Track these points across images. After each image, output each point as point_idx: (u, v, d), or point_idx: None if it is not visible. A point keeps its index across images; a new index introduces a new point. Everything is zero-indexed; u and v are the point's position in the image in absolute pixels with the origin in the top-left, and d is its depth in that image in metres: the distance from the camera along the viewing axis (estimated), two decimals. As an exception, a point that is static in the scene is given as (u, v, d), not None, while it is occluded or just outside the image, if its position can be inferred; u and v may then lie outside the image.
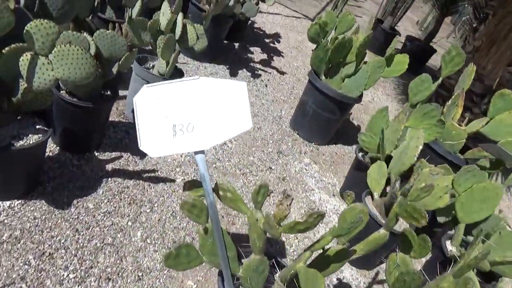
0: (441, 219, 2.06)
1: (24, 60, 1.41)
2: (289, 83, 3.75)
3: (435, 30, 5.13)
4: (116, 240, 1.71)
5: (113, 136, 2.22)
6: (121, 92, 2.55)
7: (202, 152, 1.12)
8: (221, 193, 1.24)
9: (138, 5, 2.27)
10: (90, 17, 2.46)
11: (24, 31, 1.36)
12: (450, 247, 1.98)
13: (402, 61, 2.74)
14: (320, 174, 2.68)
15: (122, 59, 1.89)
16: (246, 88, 1.13)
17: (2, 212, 1.61)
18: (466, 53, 3.88)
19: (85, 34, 1.77)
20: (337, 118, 2.87)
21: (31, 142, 1.56)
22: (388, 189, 2.07)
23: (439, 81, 2.32)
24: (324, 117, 2.85)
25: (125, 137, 2.27)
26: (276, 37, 4.68)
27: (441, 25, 5.11)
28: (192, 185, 1.25)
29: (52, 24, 1.38)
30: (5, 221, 1.59)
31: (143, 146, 1.11)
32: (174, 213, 1.94)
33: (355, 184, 2.47)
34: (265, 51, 4.18)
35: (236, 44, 4.04)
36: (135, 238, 1.76)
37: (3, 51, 1.38)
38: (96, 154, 2.06)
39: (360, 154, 2.46)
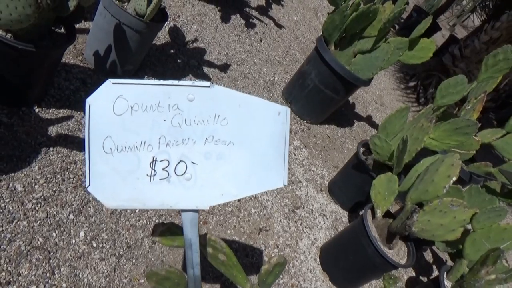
0: (440, 247, 1.77)
1: None
2: (286, 40, 3.19)
3: (445, 7, 4.61)
4: (49, 241, 1.25)
5: (63, 86, 1.65)
6: (82, 25, 1.93)
7: (195, 210, 0.66)
8: (210, 251, 0.80)
9: None
10: None
11: None
12: (446, 282, 1.71)
13: (427, 48, 2.29)
14: (309, 162, 2.29)
15: (84, -12, 1.29)
16: (289, 119, 0.65)
17: None
18: (480, 43, 3.47)
19: None
20: (339, 99, 2.44)
21: None
22: (393, 208, 1.73)
23: (474, 85, 1.91)
24: (325, 95, 2.40)
25: (81, 88, 1.71)
26: (277, -21, 3.98)
27: (453, 2, 4.59)
28: (167, 230, 0.80)
29: None
30: None
31: (93, 186, 0.63)
32: (133, 205, 1.48)
33: (348, 184, 2.11)
34: (263, -5, 3.52)
35: (232, -20, 3.35)
36: (77, 239, 1.30)
37: None
38: (37, 110, 1.51)
39: (361, 150, 2.07)
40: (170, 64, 2.17)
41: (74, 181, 1.42)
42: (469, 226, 1.65)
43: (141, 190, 0.65)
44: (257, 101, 0.68)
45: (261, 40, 2.95)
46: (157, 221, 1.49)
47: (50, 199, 1.33)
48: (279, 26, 3.30)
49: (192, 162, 0.66)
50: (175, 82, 0.64)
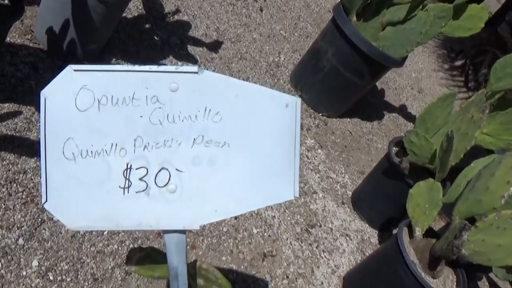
0: (499, 274, 1.79)
1: None
2: (293, 9, 3.23)
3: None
4: (-6, 273, 1.27)
5: (8, 73, 1.68)
6: (30, -6, 1.95)
7: (182, 231, 0.68)
8: (201, 282, 0.82)
9: None
10: None
11: None
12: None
13: (477, 16, 2.31)
14: (326, 167, 2.31)
15: None
16: (299, 112, 0.67)
17: None
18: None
19: None
20: (364, 84, 2.47)
21: None
22: (437, 224, 1.75)
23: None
24: (346, 79, 2.42)
25: (31, 75, 1.73)
26: None
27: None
28: (146, 257, 0.81)
29: None
30: None
31: (51, 202, 0.65)
32: (100, 225, 1.50)
33: (378, 194, 2.13)
34: (264, -49, 3.55)
35: None
36: (29, 270, 1.33)
37: None
38: (-25, 104, 1.53)
39: (394, 150, 2.09)
40: (145, 43, 2.19)
41: (23, 196, 1.44)
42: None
43: (113, 206, 0.67)
44: (258, 90, 0.69)
45: (261, 10, 3.00)
46: (131, 245, 1.51)
47: (-7, 220, 1.35)
48: (285, -10, 3.34)
49: (177, 169, 0.68)
50: (154, 67, 0.66)
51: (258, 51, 2.67)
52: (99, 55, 1.98)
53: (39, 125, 0.66)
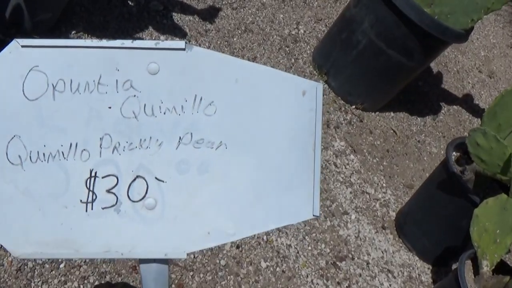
0: None
1: None
2: (318, -38, 3.25)
3: None
4: None
5: None
6: None
7: (163, 260, 0.70)
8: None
9: None
10: None
11: None
12: None
13: None
14: (362, 179, 2.33)
15: None
16: (321, 102, 0.69)
17: None
18: None
19: None
20: (415, 65, 2.50)
21: None
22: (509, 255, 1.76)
23: None
24: (389, 59, 2.45)
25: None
26: None
27: None
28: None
29: None
30: None
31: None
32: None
33: (431, 216, 2.15)
34: None
35: None
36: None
37: None
38: None
39: (453, 156, 2.10)
40: (116, 10, 2.24)
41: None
42: None
43: (72, 226, 0.69)
44: (267, 72, 0.71)
45: (274, -36, 3.02)
46: (96, 282, 1.54)
47: None
48: None
49: (156, 178, 0.70)
50: (127, 42, 0.68)
51: (269, 20, 2.71)
52: (53, 27, 2.02)
53: (-24, 119, 0.69)
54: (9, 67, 0.67)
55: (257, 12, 2.70)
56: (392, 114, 2.73)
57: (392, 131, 2.66)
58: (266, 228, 0.73)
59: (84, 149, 0.69)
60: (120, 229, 0.71)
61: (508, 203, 1.74)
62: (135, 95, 0.69)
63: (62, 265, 1.54)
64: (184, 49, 0.70)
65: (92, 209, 0.70)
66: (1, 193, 0.69)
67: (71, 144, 0.69)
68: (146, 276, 0.73)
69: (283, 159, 0.72)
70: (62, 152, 0.69)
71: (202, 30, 2.42)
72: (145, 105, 0.70)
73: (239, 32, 2.54)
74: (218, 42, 2.43)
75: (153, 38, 2.24)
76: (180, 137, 0.70)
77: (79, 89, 0.68)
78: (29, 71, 0.68)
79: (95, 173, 0.70)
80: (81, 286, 1.53)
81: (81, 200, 0.70)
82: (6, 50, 0.68)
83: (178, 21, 2.38)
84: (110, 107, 0.69)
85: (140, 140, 0.70)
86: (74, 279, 1.54)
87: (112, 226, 0.70)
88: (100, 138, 0.69)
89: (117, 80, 0.69)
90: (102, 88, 0.69)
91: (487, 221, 1.75)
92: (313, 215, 0.72)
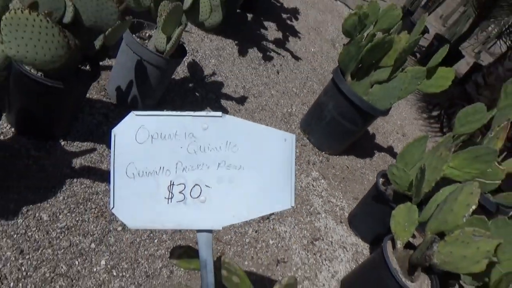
0: (467, 280, 1.75)
1: (-39, 22, 0.97)
2: (303, 72, 3.32)
3: (467, 33, 4.68)
4: (72, 269, 1.34)
5: (87, 120, 1.80)
6: (104, 62, 2.10)
7: (209, 231, 0.74)
8: (224, 273, 0.87)
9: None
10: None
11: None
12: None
13: (446, 77, 2.35)
14: (328, 193, 2.33)
15: (110, 29, 1.45)
16: (294, 144, 0.73)
17: None
18: (505, 70, 3.51)
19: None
20: (358, 129, 2.50)
21: (-34, 135, 1.14)
22: (418, 241, 1.74)
23: (494, 112, 1.95)
24: (343, 126, 2.47)
25: (103, 122, 1.85)
26: (294, 13, 4.19)
27: (476, 28, 4.66)
28: (184, 253, 0.87)
29: (6, -23, 0.93)
30: None
31: (117, 208, 0.72)
32: (151, 235, 1.57)
33: (368, 215, 2.14)
34: (281, 29, 3.71)
35: (249, 16, 3.55)
36: (98, 267, 1.39)
37: None
38: (63, 143, 1.64)
39: (381, 181, 2.10)
40: (189, 98, 2.30)
41: (96, 211, 1.52)
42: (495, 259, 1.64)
43: (160, 212, 0.73)
44: (264, 129, 0.77)
45: (278, 72, 3.09)
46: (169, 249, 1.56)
47: (73, 229, 1.43)
48: (296, 58, 3.45)
49: (206, 185, 0.75)
50: (191, 113, 0.74)
51: (275, 104, 2.76)
52: (154, 108, 2.09)
53: (110, 153, 0.74)
54: (130, 125, 0.73)
55: (268, 99, 2.76)
56: (346, 156, 2.73)
57: (346, 166, 2.66)
58: (265, 213, 0.77)
59: (167, 169, 0.74)
60: (186, 213, 0.74)
61: (412, 207, 1.73)
62: (194, 141, 0.74)
63: (155, 240, 1.57)
64: (221, 116, 0.75)
65: (171, 202, 0.74)
66: (123, 193, 0.74)
67: (160, 167, 0.73)
68: (200, 239, 0.76)
69: (275, 174, 0.76)
70: (155, 171, 0.73)
71: (236, 109, 2.48)
72: (200, 146, 0.74)
73: (258, 110, 2.59)
74: (246, 116, 2.48)
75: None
76: (218, 163, 0.75)
77: (165, 138, 0.73)
78: (139, 128, 0.73)
79: (173, 182, 0.74)
80: (166, 253, 1.55)
81: (165, 197, 0.74)
82: (128, 116, 0.74)
83: (223, 104, 2.44)
84: (181, 147, 0.74)
85: (197, 165, 0.74)
86: (162, 248, 1.56)
87: (182, 212, 0.74)
88: (176, 164, 0.74)
89: (185, 133, 0.74)
90: (177, 137, 0.74)
91: (400, 218, 1.74)
92: (291, 205, 0.75)
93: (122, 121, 0.73)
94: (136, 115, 0.73)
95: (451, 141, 1.98)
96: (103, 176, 1.64)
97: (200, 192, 0.74)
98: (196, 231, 0.75)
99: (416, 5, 5.22)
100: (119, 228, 1.52)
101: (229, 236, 1.75)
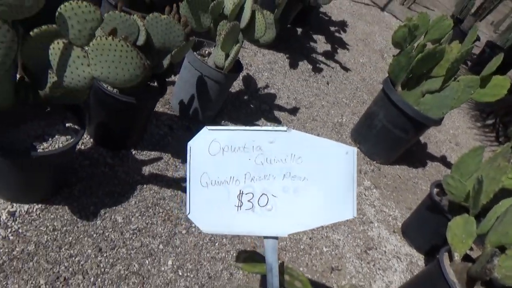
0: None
1: (55, 48, 1.08)
2: (352, 82, 3.28)
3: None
4: (143, 268, 1.42)
5: (154, 132, 1.90)
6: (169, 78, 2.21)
7: (275, 237, 0.76)
8: (287, 278, 0.88)
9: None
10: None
11: (57, 13, 1.01)
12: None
13: (501, 85, 2.23)
14: (380, 203, 2.27)
15: (176, 49, 1.53)
16: (356, 157, 0.74)
17: (17, 219, 1.34)
18: None
19: (134, 16, 1.41)
20: (409, 138, 2.43)
21: (57, 146, 1.25)
22: (476, 253, 1.65)
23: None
24: (395, 135, 2.40)
25: (168, 133, 1.94)
26: (342, 25, 4.15)
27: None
28: (249, 258, 0.90)
29: (93, 9, 1.02)
30: (20, 230, 1.32)
31: (192, 214, 0.76)
32: (213, 238, 1.62)
33: (423, 225, 2.06)
34: (329, 41, 3.70)
35: (299, 30, 3.58)
36: (165, 267, 1.45)
37: (31, 33, 1.05)
38: (133, 152, 1.75)
39: (435, 191, 2.02)
40: (244, 109, 2.36)
41: (163, 215, 1.60)
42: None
43: (230, 218, 0.77)
44: (327, 142, 0.78)
45: (328, 84, 3.08)
46: (234, 254, 1.60)
47: (143, 230, 1.51)
48: (346, 69, 3.42)
49: (272, 195, 0.77)
50: (258, 128, 0.77)
51: (326, 114, 2.75)
52: (213, 118, 2.17)
53: (186, 164, 0.79)
54: (203, 139, 0.78)
55: (319, 110, 2.75)
56: (398, 166, 2.65)
57: (398, 176, 2.58)
58: (328, 222, 0.78)
59: (237, 179, 0.77)
60: (254, 220, 0.77)
61: (469, 219, 1.64)
62: (262, 153, 0.77)
63: (216, 243, 1.62)
64: (286, 131, 0.77)
65: (240, 210, 0.77)
66: (197, 200, 0.78)
67: (231, 177, 0.77)
68: (267, 245, 0.78)
69: (337, 185, 0.77)
70: (226, 181, 0.77)
71: (289, 119, 2.50)
72: (267, 158, 0.77)
73: (310, 120, 2.60)
74: (298, 126, 2.50)
75: (263, 124, 2.34)
76: (284, 174, 0.77)
77: (235, 150, 0.77)
78: (212, 141, 0.78)
79: (242, 191, 0.77)
80: (226, 256, 1.58)
81: (235, 205, 0.77)
82: (201, 131, 0.78)
83: (276, 115, 2.47)
84: (249, 159, 0.77)
85: (265, 175, 0.77)
86: (223, 251, 1.60)
87: (250, 219, 0.77)
88: (245, 174, 0.77)
89: (253, 146, 0.77)
90: (246, 149, 0.77)
91: (456, 230, 1.66)
92: (353, 216, 0.76)
93: (197, 135, 0.78)
94: (209, 129, 0.77)
95: (509, 151, 1.86)
96: (169, 182, 1.72)
97: (267, 201, 0.76)
98: (263, 237, 0.78)
99: (465, 13, 4.97)
100: (184, 231, 1.59)
101: (284, 243, 1.76)
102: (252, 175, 0.77)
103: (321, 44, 3.58)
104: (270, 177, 0.76)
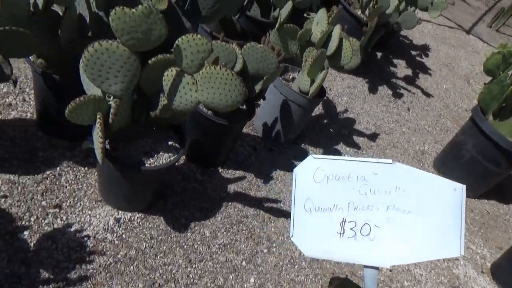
0: None
1: (169, 75, 1.21)
2: (435, 109, 3.14)
3: None
4: (227, 282, 1.48)
5: (239, 152, 1.99)
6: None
7: (375, 267, 0.76)
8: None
9: (288, 7, 1.95)
10: (237, 16, 2.24)
11: (174, 45, 1.14)
12: None
13: None
14: (467, 239, 2.13)
15: (268, 75, 1.61)
16: (465, 194, 0.73)
17: (121, 225, 1.48)
18: None
19: (234, 45, 1.52)
20: (501, 171, 2.26)
21: (161, 162, 1.38)
22: None
23: None
24: (484, 167, 2.25)
25: (252, 154, 2.02)
26: (424, 49, 4.01)
27: None
28: (341, 285, 0.91)
29: (205, 41, 1.13)
30: (123, 235, 1.46)
31: (295, 237, 0.80)
32: (292, 260, 1.64)
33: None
34: (410, 66, 3.59)
35: (379, 54, 3.53)
36: (247, 284, 1.50)
37: (149, 61, 1.19)
38: (220, 170, 1.85)
39: (532, 231, 1.84)
40: (324, 133, 2.37)
41: (246, 233, 1.66)
42: None
43: (332, 244, 0.78)
44: (433, 177, 0.77)
45: (409, 109, 2.98)
46: (313, 279, 1.60)
47: (228, 246, 1.58)
48: (427, 95, 3.28)
49: (375, 225, 0.77)
50: (363, 158, 0.79)
51: (407, 141, 2.66)
52: (294, 141, 2.21)
53: (292, 190, 0.83)
54: (308, 166, 0.81)
55: (399, 136, 2.67)
56: (486, 200, 2.46)
57: (486, 211, 2.40)
58: (433, 258, 0.76)
59: (340, 207, 0.79)
60: (356, 249, 0.78)
61: None
62: (366, 184, 0.78)
63: (296, 266, 1.63)
64: (391, 163, 0.78)
65: (342, 237, 0.79)
66: (300, 224, 0.81)
67: (334, 204, 0.79)
68: (366, 275, 0.79)
69: (443, 222, 0.75)
70: (330, 208, 0.79)
71: (368, 145, 2.46)
72: (370, 189, 0.78)
73: (390, 147, 2.53)
74: (378, 153, 2.44)
75: (342, 149, 2.33)
76: (387, 206, 0.77)
77: (339, 179, 0.79)
78: (317, 169, 0.81)
79: (345, 219, 0.79)
80: (305, 279, 1.59)
81: (337, 232, 0.79)
82: (307, 159, 0.82)
83: (355, 140, 2.44)
84: (353, 188, 0.79)
85: (368, 205, 0.78)
86: (301, 275, 1.61)
87: (352, 247, 0.78)
88: (348, 203, 0.79)
89: (357, 176, 0.79)
90: (350, 179, 0.79)
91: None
92: (460, 254, 0.73)
93: (302, 162, 0.82)
94: (314, 158, 0.81)
95: None
96: (252, 202, 1.79)
97: (370, 231, 0.77)
98: (363, 266, 0.78)
99: None
100: (265, 250, 1.63)
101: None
102: (356, 204, 0.78)
103: (401, 68, 3.49)
104: (374, 208, 0.77)
